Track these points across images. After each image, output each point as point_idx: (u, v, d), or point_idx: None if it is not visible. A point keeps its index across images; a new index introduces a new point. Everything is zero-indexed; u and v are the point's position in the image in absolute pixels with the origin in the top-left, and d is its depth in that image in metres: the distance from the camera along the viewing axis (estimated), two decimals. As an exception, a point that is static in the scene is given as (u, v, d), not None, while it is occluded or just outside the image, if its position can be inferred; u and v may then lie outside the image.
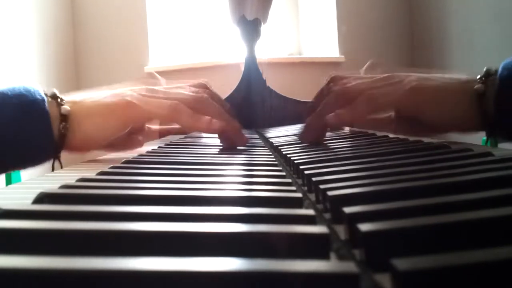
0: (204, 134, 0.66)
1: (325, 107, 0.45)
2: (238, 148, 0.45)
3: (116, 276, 0.10)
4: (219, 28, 2.32)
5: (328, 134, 0.57)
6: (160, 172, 0.29)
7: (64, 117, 0.41)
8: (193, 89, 0.48)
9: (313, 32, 2.44)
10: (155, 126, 0.59)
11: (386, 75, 0.45)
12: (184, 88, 0.48)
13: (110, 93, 0.44)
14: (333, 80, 0.52)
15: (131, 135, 0.49)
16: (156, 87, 0.47)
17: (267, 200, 0.20)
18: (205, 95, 0.46)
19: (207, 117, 0.43)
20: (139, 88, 0.45)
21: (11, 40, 1.84)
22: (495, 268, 0.10)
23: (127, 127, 0.44)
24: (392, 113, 0.50)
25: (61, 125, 0.40)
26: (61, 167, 0.42)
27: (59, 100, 0.42)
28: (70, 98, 0.43)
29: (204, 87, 0.52)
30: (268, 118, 0.95)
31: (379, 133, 0.52)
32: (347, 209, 0.16)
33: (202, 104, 0.44)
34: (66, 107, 0.41)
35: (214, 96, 0.51)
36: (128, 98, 0.42)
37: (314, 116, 0.46)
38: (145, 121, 0.45)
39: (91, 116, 0.42)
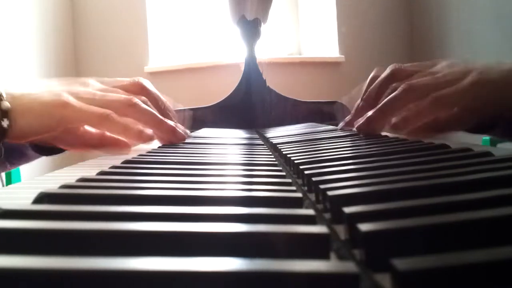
0: (204, 134, 0.66)
1: (390, 104, 0.45)
2: (238, 148, 0.45)
3: (116, 276, 0.10)
4: (219, 28, 2.32)
5: (328, 134, 0.57)
6: (160, 172, 0.29)
7: (5, 113, 0.41)
8: (124, 94, 0.47)
9: (313, 32, 2.44)
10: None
11: (446, 65, 0.44)
12: (118, 91, 0.48)
13: (47, 90, 0.44)
14: (394, 75, 0.50)
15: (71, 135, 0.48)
16: (91, 90, 0.46)
17: (267, 200, 0.20)
18: (136, 100, 0.46)
19: (137, 129, 0.43)
20: (76, 89, 0.45)
21: (11, 40, 1.84)
22: (495, 268, 0.10)
23: (60, 128, 0.43)
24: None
25: (3, 122, 0.41)
26: (1, 156, 0.42)
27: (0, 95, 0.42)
28: (10, 91, 0.43)
29: (140, 87, 0.52)
30: (268, 118, 0.95)
31: (378, 134, 0.52)
32: (347, 209, 0.16)
33: (134, 110, 0.45)
34: (6, 103, 0.41)
35: (150, 95, 0.51)
36: (65, 99, 0.42)
37: (378, 112, 0.46)
38: (77, 125, 0.45)
39: (25, 113, 0.42)
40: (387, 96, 0.46)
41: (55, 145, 0.48)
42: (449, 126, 0.42)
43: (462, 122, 0.42)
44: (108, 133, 0.49)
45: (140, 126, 0.44)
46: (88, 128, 0.48)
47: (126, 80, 0.51)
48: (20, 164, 0.52)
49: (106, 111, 0.42)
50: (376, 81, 0.52)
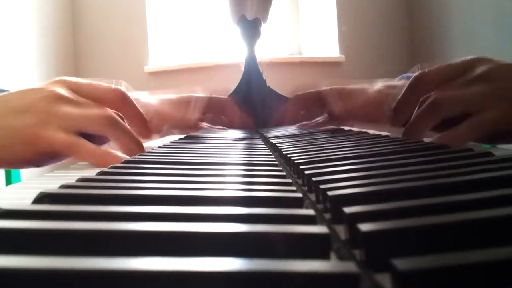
0: (204, 135, 0.66)
1: (423, 119, 0.42)
2: (238, 148, 0.45)
3: (116, 276, 0.10)
4: (219, 28, 2.32)
5: (328, 134, 0.57)
6: (160, 172, 0.29)
7: None
8: (100, 110, 0.43)
9: (313, 32, 2.44)
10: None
11: (473, 61, 0.42)
12: (94, 106, 0.43)
13: (19, 105, 0.41)
14: (423, 82, 0.45)
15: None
16: (69, 94, 0.43)
17: (267, 200, 0.20)
18: (111, 116, 0.43)
19: (104, 156, 0.41)
20: (54, 86, 0.42)
21: (11, 40, 1.84)
22: (495, 268, 0.10)
23: (32, 157, 0.41)
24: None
25: None
26: None
27: None
28: None
29: (120, 96, 0.47)
30: (268, 118, 0.95)
31: (379, 133, 0.52)
32: (347, 209, 0.16)
33: (111, 128, 0.42)
34: None
35: (128, 108, 0.47)
36: (33, 122, 0.39)
37: (411, 127, 0.43)
38: (47, 153, 0.41)
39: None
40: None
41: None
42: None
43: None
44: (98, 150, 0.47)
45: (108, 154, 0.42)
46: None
47: (103, 86, 0.47)
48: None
49: (74, 141, 0.40)
50: (402, 93, 0.47)
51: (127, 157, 0.40)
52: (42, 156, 0.41)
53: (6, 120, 0.40)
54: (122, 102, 0.47)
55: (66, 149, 0.40)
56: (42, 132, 0.39)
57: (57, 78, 0.45)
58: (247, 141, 0.58)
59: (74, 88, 0.44)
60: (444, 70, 0.45)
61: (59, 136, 0.39)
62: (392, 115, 0.48)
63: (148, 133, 0.51)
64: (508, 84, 0.40)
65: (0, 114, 0.40)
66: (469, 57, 0.44)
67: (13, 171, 1.24)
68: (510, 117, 0.38)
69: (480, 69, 0.42)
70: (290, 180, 0.25)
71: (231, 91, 0.94)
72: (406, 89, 0.46)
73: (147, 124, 0.50)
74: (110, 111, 0.43)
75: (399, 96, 0.47)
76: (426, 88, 0.44)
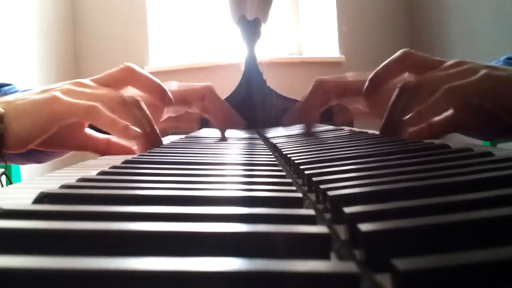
0: (204, 135, 0.66)
1: (400, 105, 0.44)
2: (238, 148, 0.45)
3: (116, 276, 0.10)
4: (219, 28, 2.32)
5: (328, 134, 0.57)
6: (160, 172, 0.29)
7: (0, 119, 0.41)
8: (113, 90, 0.47)
9: (313, 32, 2.44)
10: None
11: (454, 62, 0.44)
12: (108, 87, 0.47)
13: (39, 91, 0.44)
14: (404, 60, 0.48)
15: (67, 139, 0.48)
16: (85, 82, 0.46)
17: (267, 200, 0.20)
18: (127, 99, 0.45)
19: (123, 124, 0.42)
20: (68, 87, 0.45)
21: (11, 40, 1.84)
22: (495, 268, 0.10)
23: (53, 124, 0.43)
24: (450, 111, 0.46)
25: None
26: (5, 163, 0.42)
27: None
28: (4, 99, 0.43)
29: (128, 70, 0.51)
30: (268, 118, 0.95)
31: (379, 133, 0.52)
32: (348, 209, 0.16)
33: (123, 108, 0.44)
34: (0, 109, 0.41)
35: (140, 79, 0.50)
36: (53, 95, 0.42)
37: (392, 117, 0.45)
38: (67, 119, 0.43)
39: (19, 115, 0.42)
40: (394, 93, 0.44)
41: (64, 151, 0.48)
42: (450, 127, 0.42)
43: (463, 119, 0.42)
44: (113, 139, 0.48)
45: (127, 123, 0.43)
46: (92, 132, 0.48)
47: (112, 70, 0.51)
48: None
49: (93, 104, 0.42)
50: (386, 62, 0.50)
51: (140, 133, 0.41)
52: (60, 123, 0.42)
53: (29, 97, 0.43)
54: (131, 75, 0.50)
55: (88, 111, 0.41)
56: (63, 98, 0.42)
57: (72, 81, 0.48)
58: (247, 141, 0.58)
59: (90, 79, 0.48)
60: (429, 58, 0.48)
61: (81, 102, 0.42)
62: (368, 85, 0.50)
63: (169, 100, 0.52)
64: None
65: (24, 96, 0.43)
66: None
67: (13, 171, 1.24)
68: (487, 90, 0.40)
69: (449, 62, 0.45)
70: (290, 180, 0.25)
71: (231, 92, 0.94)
72: (391, 60, 0.49)
73: (165, 90, 0.51)
74: (121, 94, 0.46)
75: (381, 66, 0.50)
76: (409, 66, 0.47)
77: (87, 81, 0.48)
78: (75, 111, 0.42)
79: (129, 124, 0.42)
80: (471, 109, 0.43)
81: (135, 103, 0.46)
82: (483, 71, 0.41)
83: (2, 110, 0.42)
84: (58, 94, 0.42)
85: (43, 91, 0.44)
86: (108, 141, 0.48)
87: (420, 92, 0.42)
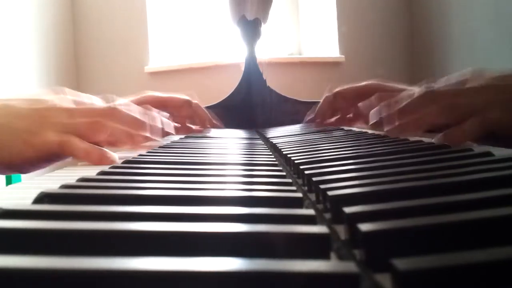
0: (205, 135, 0.66)
1: (424, 119, 0.42)
2: (238, 148, 0.45)
3: (116, 276, 0.10)
4: (219, 28, 2.32)
5: (328, 134, 0.57)
6: (160, 172, 0.29)
7: None
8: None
9: (313, 32, 2.44)
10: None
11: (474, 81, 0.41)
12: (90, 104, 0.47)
13: (22, 112, 0.43)
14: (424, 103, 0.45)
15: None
16: (69, 98, 0.46)
17: (267, 200, 0.20)
18: (116, 107, 0.45)
19: (98, 152, 0.42)
20: (52, 98, 0.45)
21: (11, 40, 1.84)
22: (495, 268, 0.10)
23: (37, 160, 0.43)
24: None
25: None
26: None
27: None
28: None
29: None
30: (268, 118, 0.95)
31: (379, 133, 0.52)
32: (347, 209, 0.16)
33: (101, 127, 0.44)
34: None
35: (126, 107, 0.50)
36: (33, 131, 0.42)
37: (411, 123, 0.43)
38: (45, 156, 0.43)
39: (6, 148, 0.42)
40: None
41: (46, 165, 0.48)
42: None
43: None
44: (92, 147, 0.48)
45: (103, 150, 0.43)
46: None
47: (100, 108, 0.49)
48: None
49: (66, 139, 0.42)
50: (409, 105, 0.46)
51: (116, 159, 0.41)
52: (40, 156, 0.43)
53: (8, 120, 0.42)
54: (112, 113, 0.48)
55: (60, 146, 0.42)
56: (39, 133, 0.42)
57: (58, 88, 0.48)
58: (247, 141, 0.58)
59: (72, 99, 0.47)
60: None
61: (53, 136, 0.42)
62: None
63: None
64: (507, 84, 0.40)
65: (5, 114, 0.43)
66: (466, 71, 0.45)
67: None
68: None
69: (475, 76, 0.42)
70: (290, 180, 0.25)
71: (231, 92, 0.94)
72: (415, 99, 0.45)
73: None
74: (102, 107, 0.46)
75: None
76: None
77: (70, 96, 0.47)
78: (51, 146, 0.42)
79: (104, 151, 0.43)
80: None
81: (114, 114, 0.46)
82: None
83: None
84: (37, 128, 0.42)
85: (22, 118, 0.43)
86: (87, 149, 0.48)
87: (448, 112, 0.40)
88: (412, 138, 0.41)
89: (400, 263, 0.10)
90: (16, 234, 0.14)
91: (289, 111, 0.97)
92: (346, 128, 0.66)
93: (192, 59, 2.31)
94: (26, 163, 0.43)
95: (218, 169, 0.31)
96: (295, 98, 1.00)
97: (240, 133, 0.73)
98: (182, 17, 2.40)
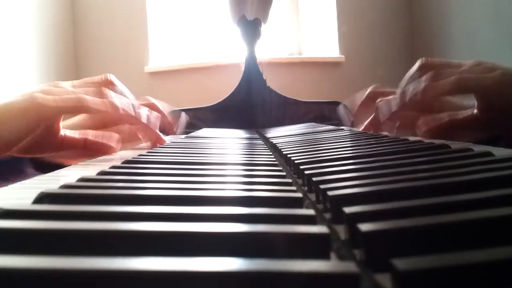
0: (204, 135, 0.66)
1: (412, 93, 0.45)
2: (238, 148, 0.46)
3: (116, 276, 0.10)
4: (219, 28, 2.32)
5: (328, 134, 0.57)
6: (160, 172, 0.29)
7: None
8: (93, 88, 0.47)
9: (313, 32, 2.44)
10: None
11: (475, 62, 0.44)
12: (88, 86, 0.48)
13: (19, 94, 0.44)
14: (422, 68, 0.49)
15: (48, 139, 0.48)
16: (62, 84, 0.47)
17: (267, 200, 0.20)
18: (106, 90, 0.46)
19: (115, 102, 0.43)
20: (46, 85, 0.45)
21: (11, 40, 1.84)
22: (495, 268, 0.10)
23: (35, 125, 0.43)
24: (474, 110, 0.46)
25: None
26: None
27: None
28: None
29: (109, 82, 0.51)
30: (268, 118, 0.95)
31: (379, 133, 0.52)
32: (347, 209, 0.16)
33: (105, 95, 0.45)
34: None
35: (117, 91, 0.51)
36: (36, 96, 0.42)
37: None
38: (55, 118, 0.44)
39: (2, 120, 0.42)
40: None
41: (46, 159, 0.48)
42: (466, 124, 0.42)
43: (482, 119, 0.42)
44: (90, 138, 0.48)
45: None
46: (67, 133, 0.48)
47: (95, 78, 0.51)
48: (18, 180, 0.52)
49: (78, 96, 0.42)
50: (407, 75, 0.51)
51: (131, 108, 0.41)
52: (47, 121, 0.42)
53: (9, 101, 0.42)
54: (111, 85, 0.50)
55: (75, 103, 0.42)
56: (47, 97, 0.42)
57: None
58: (247, 141, 0.58)
59: (68, 83, 0.48)
60: (448, 61, 0.49)
61: (66, 96, 0.42)
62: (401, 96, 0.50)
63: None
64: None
65: (5, 102, 0.43)
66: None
67: (13, 171, 1.24)
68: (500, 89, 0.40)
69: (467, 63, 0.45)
70: (290, 180, 0.25)
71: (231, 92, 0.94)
72: (412, 71, 0.50)
73: (133, 105, 0.50)
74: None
75: (404, 80, 0.51)
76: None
77: (65, 83, 0.48)
78: (63, 106, 0.42)
79: (116, 104, 0.43)
80: (493, 111, 0.43)
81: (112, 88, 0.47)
82: (500, 70, 0.41)
83: None
84: (40, 95, 0.42)
85: (22, 95, 0.43)
86: (85, 141, 0.48)
87: (438, 74, 0.43)
88: (412, 138, 0.41)
89: (400, 263, 0.10)
90: (16, 234, 0.14)
91: (289, 111, 0.97)
92: (346, 128, 0.66)
93: (192, 59, 2.31)
94: (26, 134, 0.42)
95: (218, 169, 0.31)
96: (295, 98, 1.00)
97: (240, 133, 0.73)
98: (182, 17, 2.40)
